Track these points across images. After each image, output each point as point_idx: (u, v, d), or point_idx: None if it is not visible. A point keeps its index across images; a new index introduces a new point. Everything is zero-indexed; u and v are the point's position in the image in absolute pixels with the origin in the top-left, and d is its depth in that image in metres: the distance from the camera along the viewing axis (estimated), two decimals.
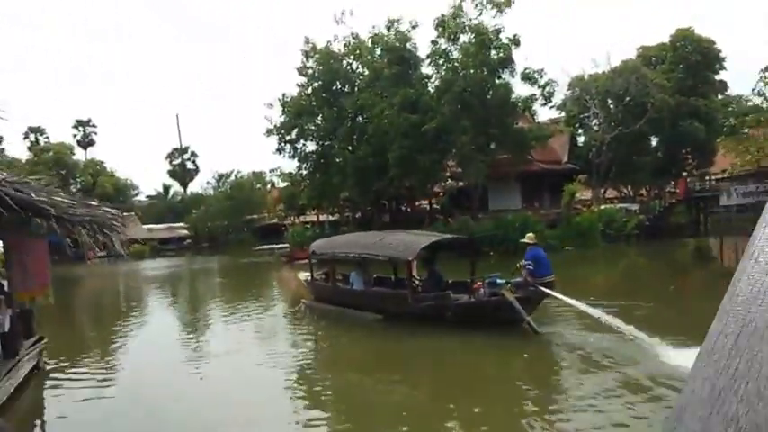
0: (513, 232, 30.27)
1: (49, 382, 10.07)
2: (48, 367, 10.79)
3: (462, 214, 36.37)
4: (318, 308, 15.54)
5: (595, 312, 10.35)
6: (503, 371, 9.68)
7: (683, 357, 7.63)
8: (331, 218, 50.59)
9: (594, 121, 41.57)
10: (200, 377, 10.01)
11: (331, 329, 13.91)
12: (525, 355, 10.09)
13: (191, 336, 14.97)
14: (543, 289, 11.20)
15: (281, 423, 7.50)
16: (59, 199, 7.65)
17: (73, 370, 10.88)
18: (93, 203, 8.35)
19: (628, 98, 37.41)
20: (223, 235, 65.89)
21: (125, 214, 61.08)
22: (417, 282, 13.69)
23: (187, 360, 11.50)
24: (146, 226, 76.34)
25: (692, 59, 39.06)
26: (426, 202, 45.89)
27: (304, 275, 17.22)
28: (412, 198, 43.99)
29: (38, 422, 8.41)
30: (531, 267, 11.33)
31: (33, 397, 9.36)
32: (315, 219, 51.90)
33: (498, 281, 11.76)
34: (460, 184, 37.60)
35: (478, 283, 12.55)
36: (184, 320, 18.08)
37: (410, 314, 12.53)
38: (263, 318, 16.17)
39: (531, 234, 12.66)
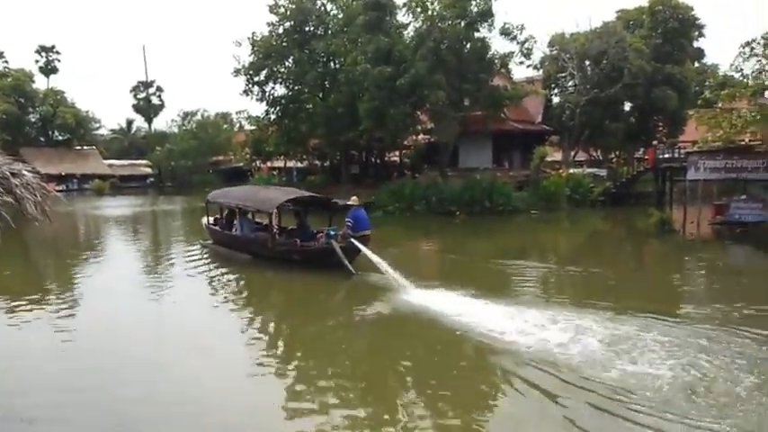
0: (481, 193, 30.12)
1: None
2: None
3: (432, 170, 35.95)
4: (211, 248, 19.05)
5: (377, 260, 13.39)
6: (320, 294, 13.57)
7: (418, 296, 11.80)
8: (300, 165, 49.68)
9: (571, 83, 40.95)
10: None
11: (215, 262, 17.22)
12: (344, 283, 14.06)
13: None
14: (354, 242, 14.17)
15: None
16: None
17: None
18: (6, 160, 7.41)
19: (605, 61, 36.79)
20: (187, 175, 64.36)
21: (86, 148, 59.73)
22: (276, 229, 16.64)
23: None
24: (107, 161, 74.24)
25: (668, 25, 38.49)
26: (397, 154, 45.24)
27: (205, 220, 19.89)
28: (382, 150, 43.23)
29: None
30: (350, 224, 14.49)
31: None
32: (282, 165, 50.90)
33: (332, 233, 14.89)
34: (431, 139, 36.97)
35: (320, 233, 15.68)
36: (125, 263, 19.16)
37: (270, 256, 16.02)
38: (174, 256, 19.93)
39: (354, 198, 15.62)
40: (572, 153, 41.75)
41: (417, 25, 32.51)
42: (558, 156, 41.79)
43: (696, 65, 43.03)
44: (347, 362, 8.97)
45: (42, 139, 72.46)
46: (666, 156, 32.72)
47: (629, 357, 8.32)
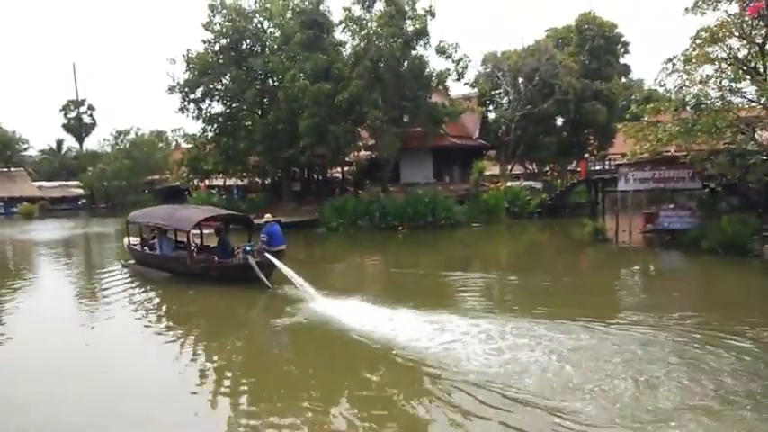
0: (424, 207, 30.48)
1: None
2: None
3: (374, 186, 36.15)
4: (132, 267, 19.26)
5: (290, 273, 14.17)
6: (238, 308, 14.09)
7: (327, 306, 12.60)
8: (240, 183, 48.89)
9: (505, 99, 42.23)
10: None
11: (135, 282, 17.24)
12: (261, 297, 14.73)
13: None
14: (269, 256, 14.85)
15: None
16: None
17: None
18: None
19: (537, 77, 38.14)
20: (121, 196, 62.34)
21: (13, 170, 57.02)
22: (194, 247, 17.09)
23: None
24: (36, 183, 71.10)
25: (595, 43, 40.39)
26: (339, 171, 45.23)
27: (126, 240, 20.06)
28: (324, 167, 43.15)
29: None
30: (264, 239, 15.21)
31: None
32: (221, 183, 49.98)
33: (248, 248, 15.55)
34: (373, 155, 37.21)
35: (238, 249, 16.20)
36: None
37: (189, 273, 16.50)
38: (99, 275, 19.49)
39: (269, 215, 16.56)
40: (509, 167, 42.91)
41: (354, 43, 32.80)
42: (495, 170, 42.92)
43: (623, 80, 45.08)
44: (260, 368, 9.73)
45: None
46: (598, 168, 34.15)
47: (503, 353, 9.19)
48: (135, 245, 19.47)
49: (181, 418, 7.65)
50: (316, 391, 8.34)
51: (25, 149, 76.71)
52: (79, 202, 70.39)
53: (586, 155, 40.60)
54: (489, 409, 7.27)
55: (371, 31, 31.60)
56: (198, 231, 18.98)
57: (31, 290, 17.84)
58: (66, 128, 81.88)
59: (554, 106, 38.89)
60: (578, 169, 39.42)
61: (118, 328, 12.46)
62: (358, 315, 11.75)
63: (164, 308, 14.25)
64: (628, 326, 10.84)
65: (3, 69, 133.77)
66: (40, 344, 11.20)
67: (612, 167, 29.79)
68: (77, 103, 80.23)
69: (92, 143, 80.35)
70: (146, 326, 12.55)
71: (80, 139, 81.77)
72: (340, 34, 34.31)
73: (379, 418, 7.31)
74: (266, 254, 14.98)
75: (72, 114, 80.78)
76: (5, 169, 69.63)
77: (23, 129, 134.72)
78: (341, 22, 32.86)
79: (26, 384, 8.93)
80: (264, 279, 14.88)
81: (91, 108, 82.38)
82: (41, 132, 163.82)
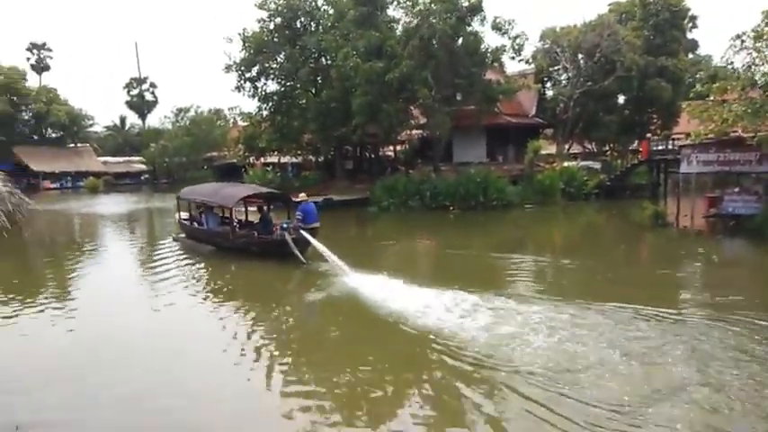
0: (475, 187, 30.01)
1: None
2: None
3: (426, 165, 35.80)
4: (182, 241, 20.42)
5: (323, 249, 14.74)
6: (275, 282, 14.92)
7: (358, 281, 13.06)
8: (294, 160, 49.42)
9: (564, 76, 40.89)
10: None
11: (185, 254, 18.59)
12: (296, 272, 15.43)
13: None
14: (304, 233, 15.52)
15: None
16: None
17: None
18: None
19: (598, 53, 36.68)
20: (181, 171, 64.06)
21: (80, 145, 59.71)
22: (236, 223, 18.16)
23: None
24: (101, 159, 73.93)
25: (660, 17, 38.39)
26: (391, 149, 45.06)
27: (178, 216, 21.29)
28: (376, 145, 43.08)
29: None
30: (300, 217, 15.95)
31: None
32: (276, 161, 50.65)
33: (284, 225, 16.31)
34: (425, 134, 36.83)
35: (276, 226, 16.93)
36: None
37: (231, 247, 17.45)
38: (153, 248, 21.49)
39: (303, 194, 17.57)
40: (566, 146, 41.69)
41: (407, 20, 32.30)
42: (552, 149, 41.75)
43: (690, 56, 42.90)
44: (298, 338, 10.46)
45: (36, 137, 72.23)
46: (660, 148, 32.72)
47: (563, 344, 8.85)
48: (185, 220, 20.68)
49: (228, 381, 8.33)
50: (339, 359, 8.97)
51: (90, 126, 79.78)
52: (142, 178, 72.92)
53: (649, 134, 38.88)
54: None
55: (425, 8, 31.03)
56: (243, 208, 20.16)
57: (94, 263, 19.16)
58: (130, 105, 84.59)
59: (615, 83, 37.37)
60: (639, 149, 37.84)
61: (171, 302, 12.94)
62: (390, 291, 11.99)
63: (209, 281, 15.20)
64: (687, 315, 10.41)
65: (70, 48, 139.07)
66: (106, 317, 11.90)
67: (676, 148, 28.49)
68: (140, 81, 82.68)
69: (153, 120, 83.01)
70: (192, 296, 13.46)
71: (142, 116, 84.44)
72: (393, 11, 33.93)
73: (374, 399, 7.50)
74: (301, 231, 15.66)
75: (135, 92, 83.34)
76: (72, 145, 72.67)
77: (89, 106, 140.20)
78: (393, 0, 32.40)
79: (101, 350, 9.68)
80: (299, 255, 15.60)
81: (153, 86, 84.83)
82: (106, 109, 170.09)
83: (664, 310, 10.57)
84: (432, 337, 9.31)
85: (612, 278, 14.45)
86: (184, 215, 20.87)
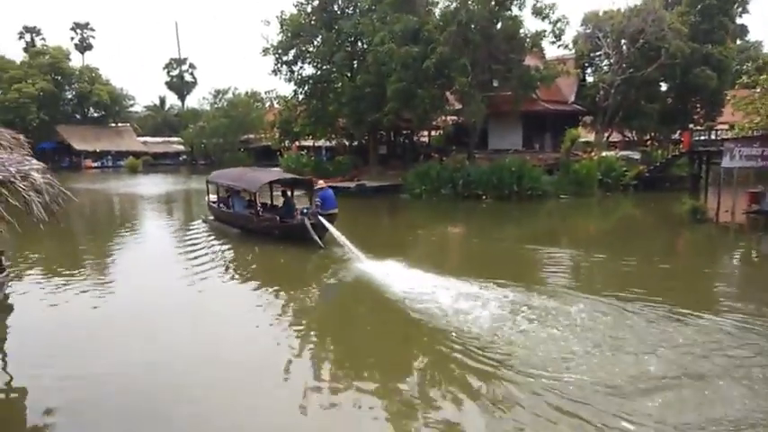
0: (509, 176, 29.59)
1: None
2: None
3: (460, 152, 35.42)
4: (211, 223, 21.36)
5: (339, 236, 15.41)
6: (293, 261, 15.82)
7: (369, 266, 13.68)
8: (329, 144, 49.60)
9: (605, 62, 39.84)
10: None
11: (213, 236, 19.44)
12: (313, 256, 15.93)
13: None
14: (321, 219, 16.20)
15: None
16: None
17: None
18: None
19: (642, 40, 35.60)
20: (219, 153, 64.85)
21: (120, 125, 60.91)
22: (260, 207, 18.67)
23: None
24: (141, 138, 75.35)
25: (708, 2, 36.98)
26: (425, 135, 44.79)
27: (207, 198, 22.19)
28: (410, 131, 42.86)
29: None
30: (318, 203, 16.63)
31: None
32: (311, 144, 50.92)
33: (305, 210, 17.24)
34: (460, 120, 36.44)
35: (297, 211, 17.63)
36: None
37: (255, 230, 18.20)
38: (185, 230, 21.90)
39: (321, 181, 18.51)
40: (605, 135, 40.75)
41: (445, 4, 31.84)
42: (590, 137, 40.87)
43: (739, 42, 41.29)
44: (314, 318, 11.14)
45: (78, 116, 74.01)
46: (703, 139, 31.68)
47: (584, 343, 8.77)
48: (213, 203, 21.56)
49: (246, 357, 8.90)
50: (346, 339, 9.83)
51: (131, 105, 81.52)
52: (180, 158, 74.17)
53: (691, 124, 37.69)
54: None
55: None
56: (270, 192, 21.07)
57: (131, 242, 20.11)
58: (169, 85, 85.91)
59: (659, 71, 36.28)
60: (681, 140, 36.72)
61: (198, 280, 13.59)
62: (402, 278, 12.48)
63: (233, 261, 16.12)
64: (722, 316, 10.11)
65: (112, 28, 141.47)
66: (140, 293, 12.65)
67: (719, 139, 27.56)
68: (179, 62, 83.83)
69: (192, 101, 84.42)
70: (218, 276, 14.14)
71: (182, 97, 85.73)
72: None
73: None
74: (319, 216, 16.32)
75: (174, 72, 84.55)
76: (113, 124, 74.25)
77: (130, 85, 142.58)
78: None
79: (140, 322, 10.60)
80: (318, 239, 16.17)
81: (192, 67, 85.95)
82: (146, 89, 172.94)
83: (696, 310, 10.30)
84: (424, 321, 9.82)
85: (645, 274, 14.10)
86: (213, 198, 21.74)
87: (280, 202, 19.79)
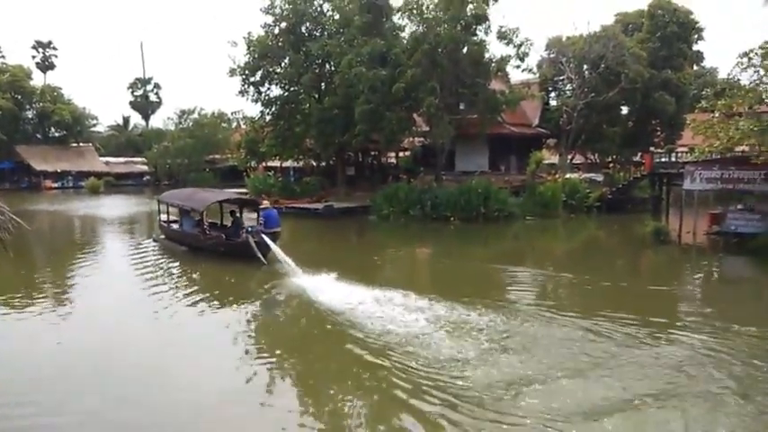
0: (477, 198, 29.76)
1: None
2: None
3: (428, 173, 35.56)
4: (161, 241, 22.20)
5: (279, 252, 16.49)
6: (235, 277, 16.53)
7: (306, 282, 14.54)
8: (296, 165, 49.27)
9: (568, 86, 40.70)
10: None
11: (162, 254, 20.33)
12: (256, 272, 16.84)
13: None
14: (264, 237, 17.08)
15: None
16: None
17: None
18: None
19: (603, 65, 36.53)
20: (183, 173, 63.75)
21: (82, 145, 59.42)
22: (206, 226, 19.62)
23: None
24: (103, 159, 73.74)
25: (668, 29, 38.22)
26: (394, 155, 44.91)
27: (158, 218, 23.29)
28: (378, 152, 42.95)
29: None
30: (261, 222, 17.71)
31: None
32: (278, 165, 50.49)
33: (249, 229, 17.95)
34: (427, 141, 36.66)
35: (242, 230, 18.41)
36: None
37: (202, 248, 19.16)
38: (135, 249, 22.24)
39: (266, 202, 19.81)
40: (569, 157, 41.49)
41: (413, 28, 32.19)
42: (554, 159, 41.55)
43: (695, 68, 42.66)
44: (250, 325, 12.46)
45: (39, 135, 72.19)
46: (664, 161, 32.43)
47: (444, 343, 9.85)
48: (164, 222, 22.38)
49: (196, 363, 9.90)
50: (281, 345, 10.84)
51: (94, 125, 79.69)
52: (144, 179, 72.67)
53: (652, 147, 38.66)
54: None
55: (431, 16, 30.91)
56: (220, 211, 22.02)
57: (86, 266, 19.50)
58: (133, 105, 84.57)
59: (620, 95, 37.21)
60: (642, 162, 37.58)
61: (143, 297, 14.37)
62: (333, 292, 13.48)
63: (180, 277, 17.00)
64: (686, 334, 10.42)
65: (75, 47, 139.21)
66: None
67: (679, 161, 28.27)
68: (144, 82, 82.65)
69: (157, 121, 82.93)
70: (164, 292, 14.74)
71: (146, 117, 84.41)
72: (399, 19, 33.81)
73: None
74: (262, 235, 17.23)
75: (139, 92, 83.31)
76: (75, 144, 72.57)
77: (93, 105, 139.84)
78: (399, 8, 32.30)
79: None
80: (261, 256, 17.11)
81: (157, 87, 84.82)
82: (109, 109, 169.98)
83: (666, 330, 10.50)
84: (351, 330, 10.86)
85: (606, 293, 14.35)
86: (164, 217, 22.45)
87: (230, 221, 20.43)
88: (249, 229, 18.13)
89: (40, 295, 14.80)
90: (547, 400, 7.62)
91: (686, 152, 28.20)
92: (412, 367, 8.87)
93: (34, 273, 18.00)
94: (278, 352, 10.37)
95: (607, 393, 7.90)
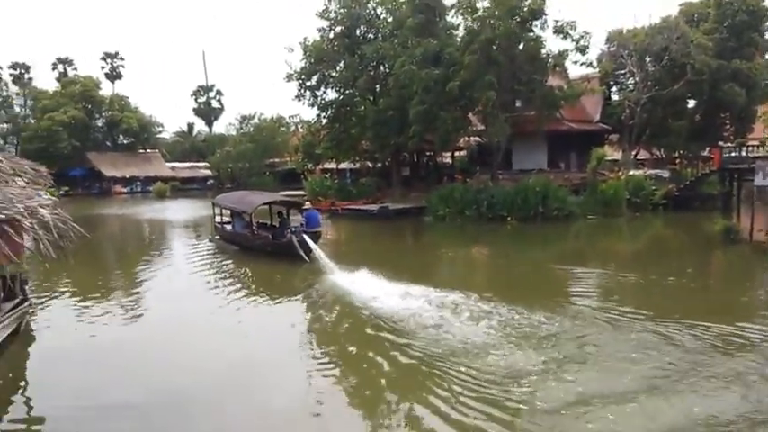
0: (534, 197, 29.15)
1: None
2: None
3: (483, 173, 35.10)
4: (216, 242, 23.60)
5: (318, 252, 17.60)
6: (282, 275, 17.54)
7: (344, 280, 15.14)
8: (352, 166, 49.72)
9: (630, 80, 39.37)
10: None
11: (218, 253, 21.68)
12: (296, 272, 17.52)
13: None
14: (306, 238, 18.07)
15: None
16: None
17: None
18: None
19: (667, 57, 35.12)
20: (245, 177, 65.43)
21: (149, 151, 62.09)
22: (255, 226, 20.77)
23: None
24: (169, 164, 76.49)
25: (737, 18, 36.29)
26: (449, 155, 44.64)
27: (213, 219, 24.59)
28: (433, 152, 42.77)
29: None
30: (303, 222, 18.91)
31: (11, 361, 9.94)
32: (335, 167, 51.04)
33: (294, 229, 18.91)
34: (483, 140, 36.20)
35: (287, 230, 19.30)
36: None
37: (251, 247, 20.42)
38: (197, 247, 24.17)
39: (308, 203, 21.27)
40: (632, 153, 40.12)
41: (468, 25, 31.78)
42: (617, 156, 40.24)
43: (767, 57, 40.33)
44: (295, 318, 13.16)
45: (108, 143, 75.55)
46: (734, 155, 30.88)
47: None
48: (219, 223, 23.72)
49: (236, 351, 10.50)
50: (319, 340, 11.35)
51: (160, 132, 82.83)
52: (207, 183, 74.95)
53: (721, 141, 36.87)
54: None
55: (485, 13, 30.49)
56: (269, 213, 23.02)
57: (153, 267, 20.24)
58: (197, 112, 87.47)
59: (685, 88, 35.67)
60: (711, 157, 35.89)
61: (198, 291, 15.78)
62: (369, 289, 13.83)
63: (230, 274, 18.04)
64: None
65: (141, 57, 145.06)
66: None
67: (750, 156, 26.85)
68: (207, 89, 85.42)
69: (219, 127, 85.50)
70: (216, 286, 16.09)
71: (209, 123, 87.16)
72: (452, 18, 33.56)
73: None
74: (303, 235, 18.19)
75: (202, 99, 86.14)
76: (143, 151, 75.64)
77: (158, 113, 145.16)
78: (452, 6, 32.03)
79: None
80: (303, 255, 17.88)
81: (219, 93, 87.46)
82: (174, 116, 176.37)
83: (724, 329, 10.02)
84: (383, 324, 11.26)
85: (676, 295, 13.75)
86: (218, 219, 23.88)
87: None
88: (293, 229, 18.99)
89: (122, 306, 14.25)
90: (622, 422, 7.12)
91: (758, 146, 26.76)
92: (471, 376, 8.45)
93: (106, 274, 18.96)
94: (333, 349, 10.57)
95: (689, 413, 7.33)
